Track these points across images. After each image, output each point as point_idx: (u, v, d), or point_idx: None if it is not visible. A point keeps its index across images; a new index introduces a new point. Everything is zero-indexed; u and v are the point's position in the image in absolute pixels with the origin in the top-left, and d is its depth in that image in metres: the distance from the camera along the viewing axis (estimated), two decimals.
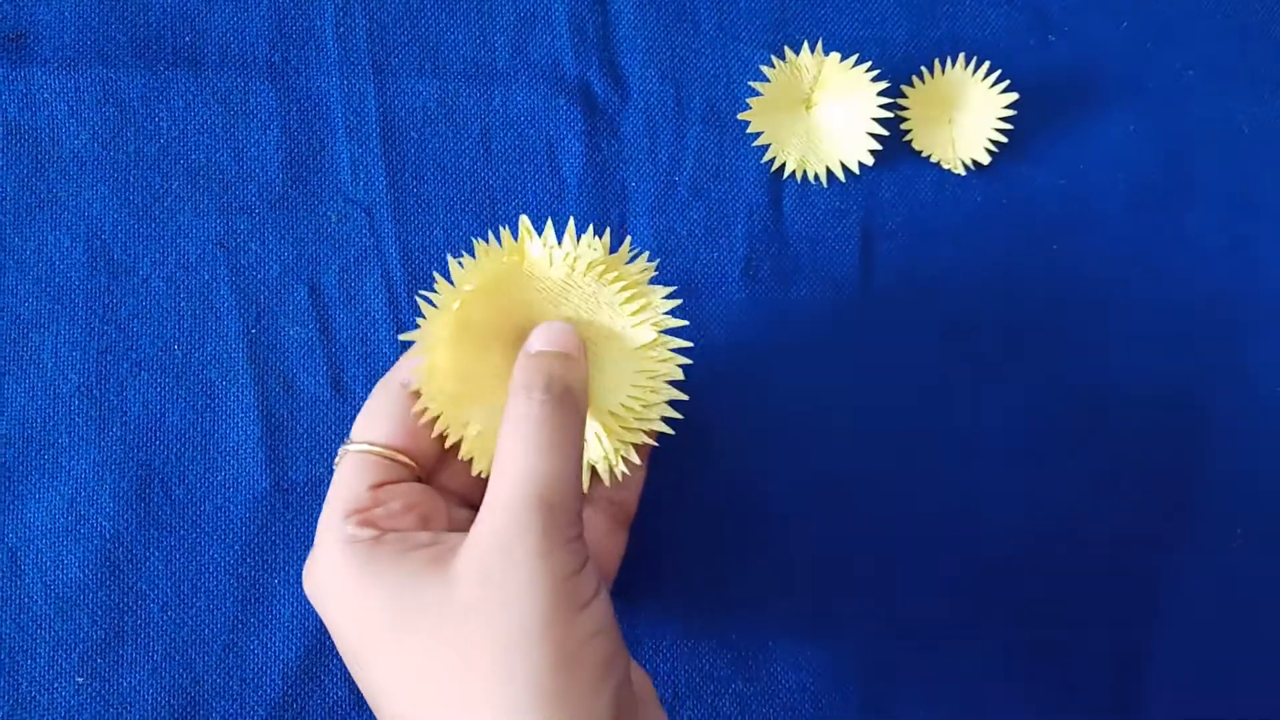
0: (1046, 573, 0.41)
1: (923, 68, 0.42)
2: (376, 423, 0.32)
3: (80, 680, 0.36)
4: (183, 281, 0.38)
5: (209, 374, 0.37)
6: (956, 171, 0.42)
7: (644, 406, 0.32)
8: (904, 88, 0.42)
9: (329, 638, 0.37)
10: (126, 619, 0.36)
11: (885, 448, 0.40)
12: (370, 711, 0.37)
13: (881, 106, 0.41)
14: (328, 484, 0.37)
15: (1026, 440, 0.41)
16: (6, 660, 0.35)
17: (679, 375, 0.32)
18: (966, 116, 0.42)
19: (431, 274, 0.39)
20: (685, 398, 0.32)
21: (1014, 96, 0.42)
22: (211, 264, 0.38)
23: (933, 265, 0.41)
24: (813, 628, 0.39)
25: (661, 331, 0.32)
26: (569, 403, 0.29)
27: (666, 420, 0.33)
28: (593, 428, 0.32)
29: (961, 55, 0.42)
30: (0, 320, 0.37)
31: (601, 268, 0.31)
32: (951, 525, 0.40)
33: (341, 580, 0.29)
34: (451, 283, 0.31)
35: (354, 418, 0.38)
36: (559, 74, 0.41)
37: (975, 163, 0.42)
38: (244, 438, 0.37)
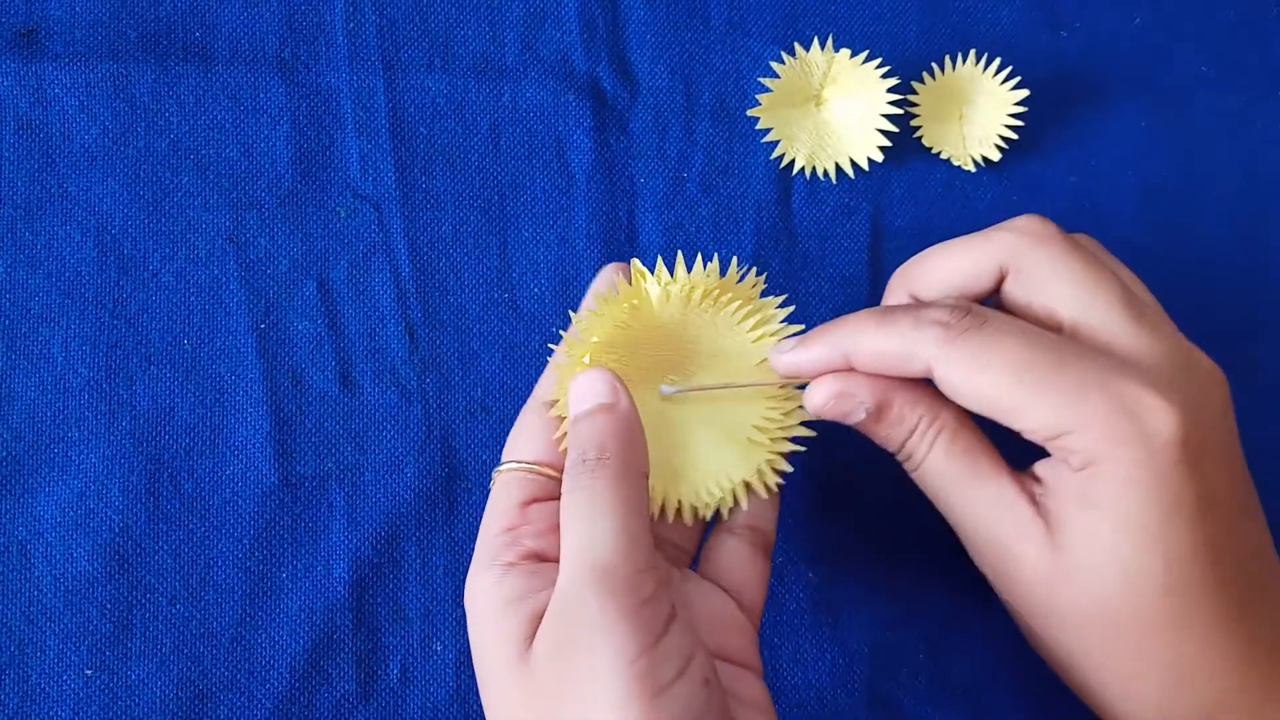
0: None
1: (933, 64, 0.42)
2: (523, 442, 0.32)
3: (89, 672, 0.36)
4: (192, 276, 0.38)
5: (218, 368, 0.38)
6: (967, 168, 0.42)
7: (783, 415, 0.33)
8: (914, 84, 0.42)
9: (338, 632, 0.37)
10: (135, 612, 0.36)
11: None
12: (374, 705, 0.37)
13: (892, 103, 0.40)
14: (336, 479, 0.37)
15: None
16: (16, 652, 0.36)
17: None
18: (977, 113, 0.42)
19: (438, 268, 0.39)
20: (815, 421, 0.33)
21: (1025, 93, 0.41)
22: (221, 259, 0.38)
23: None
24: (817, 623, 0.39)
25: (782, 339, 0.33)
26: (602, 464, 0.29)
27: (798, 440, 0.33)
28: (721, 457, 0.33)
29: (972, 51, 0.42)
30: (10, 314, 0.37)
31: (716, 292, 0.32)
32: None
33: (482, 600, 0.29)
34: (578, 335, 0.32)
35: (362, 413, 0.38)
36: (568, 70, 0.41)
37: (986, 159, 0.42)
38: (252, 432, 0.37)
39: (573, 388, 0.31)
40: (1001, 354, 0.28)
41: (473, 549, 0.38)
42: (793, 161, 0.41)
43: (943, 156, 0.41)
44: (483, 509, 0.38)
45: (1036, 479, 0.31)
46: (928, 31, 0.42)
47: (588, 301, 0.34)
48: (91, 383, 0.37)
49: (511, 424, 0.38)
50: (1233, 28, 0.44)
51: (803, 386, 0.32)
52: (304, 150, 0.39)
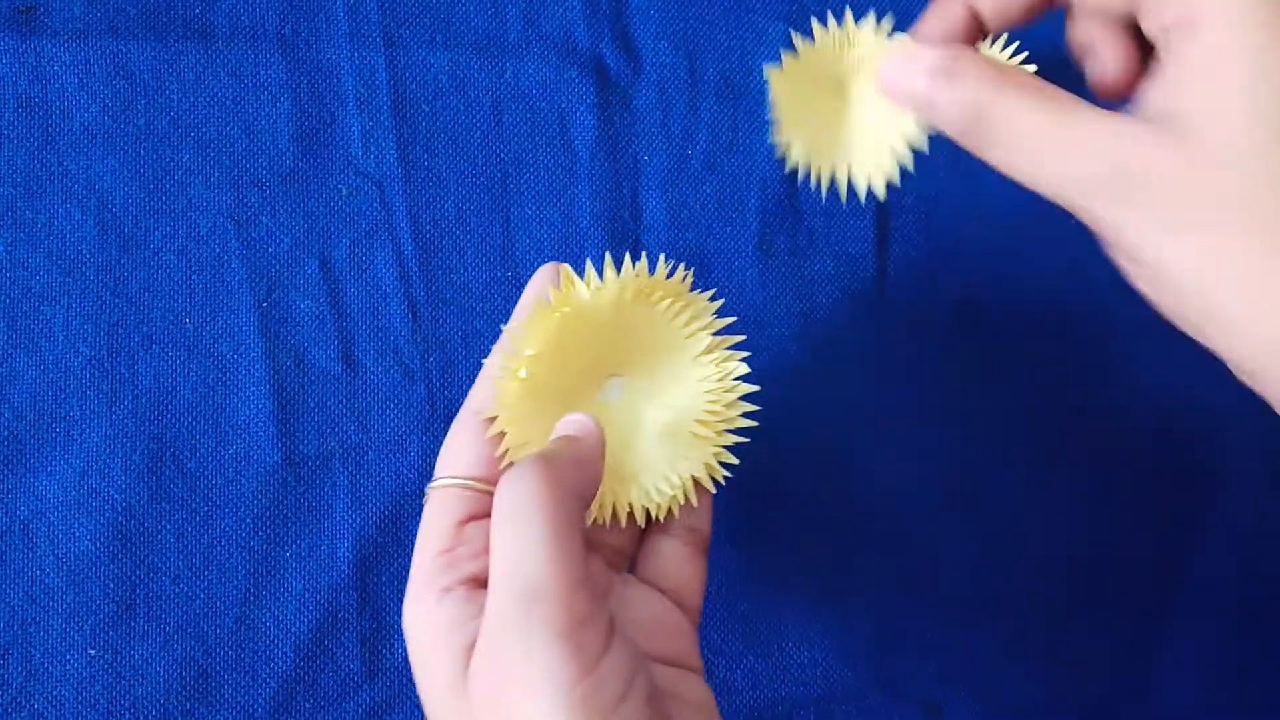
0: (1061, 552, 0.40)
1: None
2: (457, 456, 0.31)
3: (92, 652, 0.36)
4: (194, 255, 0.38)
5: (220, 347, 0.37)
6: None
7: (725, 406, 0.33)
8: None
9: (342, 611, 0.37)
10: (138, 591, 0.36)
11: (899, 423, 0.40)
12: (379, 684, 0.37)
13: None
14: (339, 458, 0.37)
15: (1043, 417, 0.41)
16: (19, 632, 0.35)
17: (744, 369, 0.33)
18: None
19: (441, 246, 0.39)
20: (757, 389, 0.33)
21: (1032, 69, 0.41)
22: (222, 237, 0.38)
23: (949, 239, 0.41)
24: (825, 604, 0.39)
25: (714, 334, 0.33)
26: (556, 489, 0.26)
27: (740, 431, 0.33)
28: (667, 455, 0.32)
29: None
30: (11, 293, 0.37)
31: (647, 290, 0.32)
32: (965, 502, 0.40)
33: (417, 628, 0.28)
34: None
35: (364, 392, 0.38)
36: (571, 46, 0.40)
37: None
38: (255, 411, 0.37)
39: (559, 425, 0.30)
40: None
41: None
42: (813, 173, 0.34)
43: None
44: None
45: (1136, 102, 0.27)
46: None
47: (519, 310, 0.32)
48: (93, 361, 0.37)
49: None
50: None
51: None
52: (305, 128, 0.39)
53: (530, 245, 0.39)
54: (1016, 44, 0.41)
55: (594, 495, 0.29)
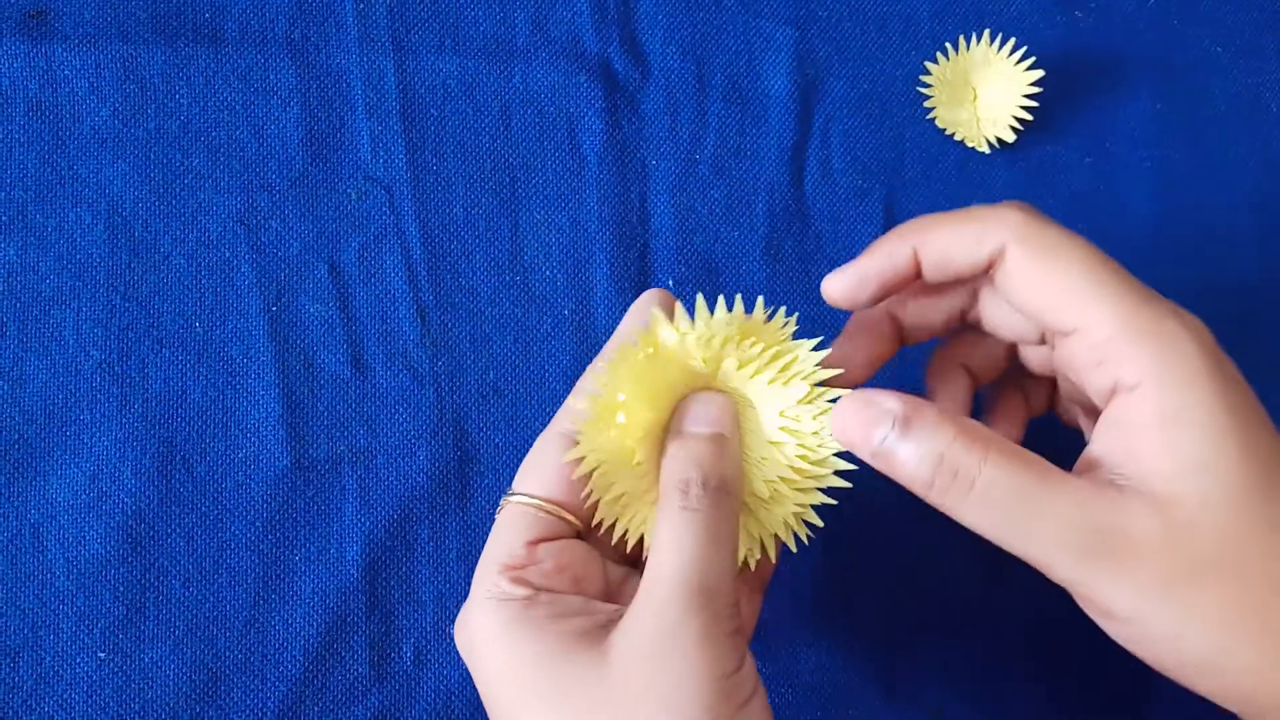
0: None
1: (947, 44, 0.42)
2: (537, 474, 0.31)
3: (102, 655, 0.36)
4: (203, 259, 0.38)
5: (230, 351, 0.37)
6: (981, 149, 0.41)
7: (814, 463, 0.31)
8: (928, 64, 0.41)
9: (350, 614, 0.37)
10: (148, 595, 0.36)
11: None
12: (388, 687, 0.37)
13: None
14: (348, 462, 0.37)
15: (1047, 421, 0.41)
16: (29, 635, 0.36)
17: (840, 446, 0.30)
18: (991, 94, 0.42)
19: (450, 250, 0.39)
20: (849, 472, 0.31)
21: (1039, 73, 0.41)
22: (232, 241, 0.38)
23: None
24: (832, 609, 0.39)
25: (816, 384, 0.30)
26: (724, 494, 0.29)
27: (830, 492, 0.31)
28: (752, 506, 0.31)
29: (986, 31, 0.41)
30: (22, 297, 0.37)
31: (739, 337, 0.30)
32: None
33: (493, 637, 0.28)
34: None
35: (374, 396, 0.38)
36: (579, 51, 0.40)
37: (1000, 140, 0.41)
38: (265, 415, 0.37)
39: (691, 403, 0.30)
40: (1074, 249, 0.28)
41: (486, 531, 0.38)
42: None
43: (956, 138, 0.41)
44: (495, 492, 0.38)
45: (1094, 463, 0.28)
46: (941, 11, 0.42)
47: (610, 345, 0.31)
48: (103, 365, 0.37)
49: (523, 406, 0.38)
50: (1247, 10, 0.44)
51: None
52: (315, 132, 0.39)
53: (538, 249, 0.39)
54: (1024, 49, 0.41)
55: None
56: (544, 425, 0.38)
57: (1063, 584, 0.28)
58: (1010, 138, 0.41)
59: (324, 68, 0.39)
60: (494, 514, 0.37)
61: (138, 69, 0.38)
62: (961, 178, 0.41)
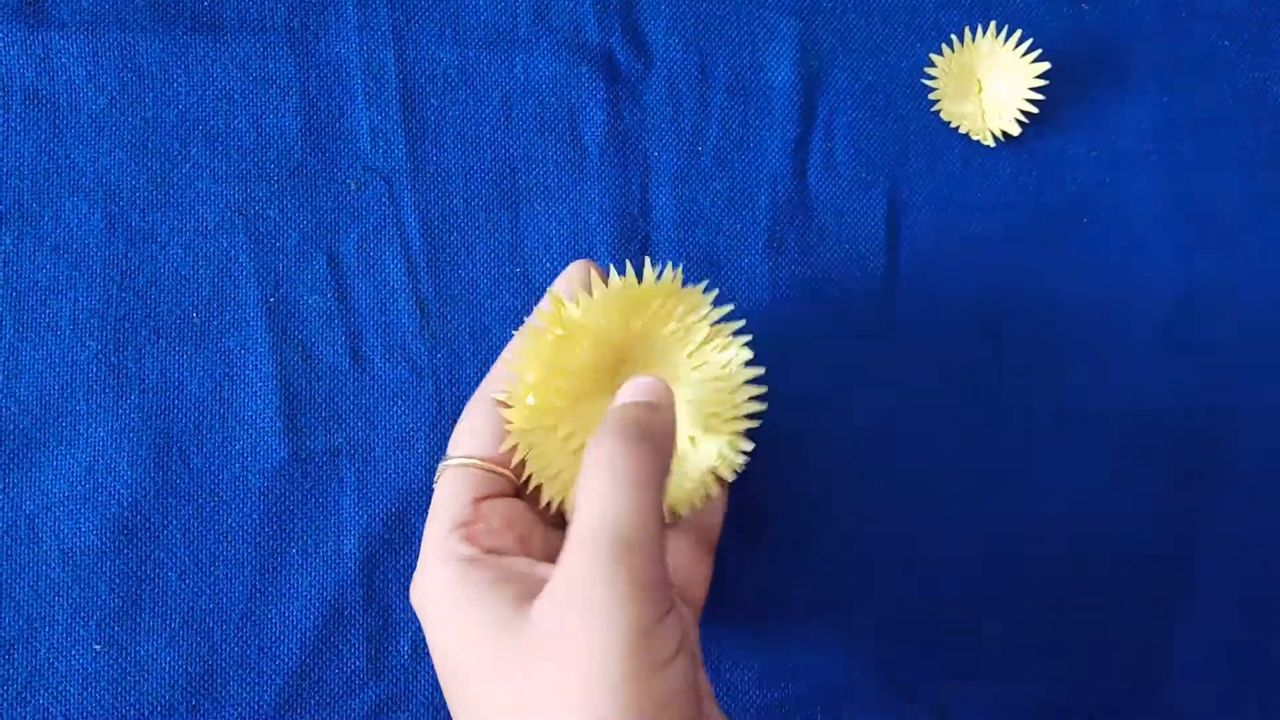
0: (1067, 553, 0.40)
1: (952, 36, 0.41)
2: (474, 437, 0.32)
3: (97, 648, 0.36)
4: (201, 249, 0.37)
5: (227, 342, 0.37)
6: (985, 143, 0.41)
7: (729, 394, 0.33)
8: (933, 56, 0.41)
9: (347, 607, 0.36)
10: (144, 587, 0.36)
11: (909, 424, 0.40)
12: (385, 680, 0.37)
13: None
14: (346, 454, 0.37)
15: (1053, 418, 0.40)
16: (24, 627, 0.35)
17: (746, 354, 0.33)
18: (996, 86, 0.41)
19: (449, 242, 0.39)
20: (761, 371, 0.33)
21: (1045, 66, 0.41)
22: (230, 231, 0.38)
23: (960, 238, 0.41)
24: (834, 607, 0.39)
25: (713, 323, 0.33)
26: (650, 445, 0.28)
27: (751, 417, 0.33)
28: (681, 455, 0.32)
29: (992, 23, 0.41)
30: (18, 286, 0.37)
31: (644, 300, 0.32)
32: (975, 503, 0.40)
33: (444, 596, 0.29)
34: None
35: (373, 388, 0.37)
36: (581, 41, 0.40)
37: (1005, 134, 0.41)
38: (262, 406, 0.37)
39: (627, 385, 0.31)
40: None
41: None
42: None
43: (961, 130, 0.41)
44: None
45: None
46: (945, 3, 0.42)
47: (522, 331, 0.33)
48: (100, 355, 0.37)
49: None
50: (1254, 3, 0.43)
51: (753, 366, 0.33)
52: (314, 122, 0.39)
53: (539, 241, 0.39)
54: (1030, 41, 0.41)
55: (670, 463, 0.29)
56: None
57: None
58: (1015, 131, 0.41)
59: (323, 57, 0.39)
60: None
61: (135, 57, 0.38)
62: (966, 171, 0.41)
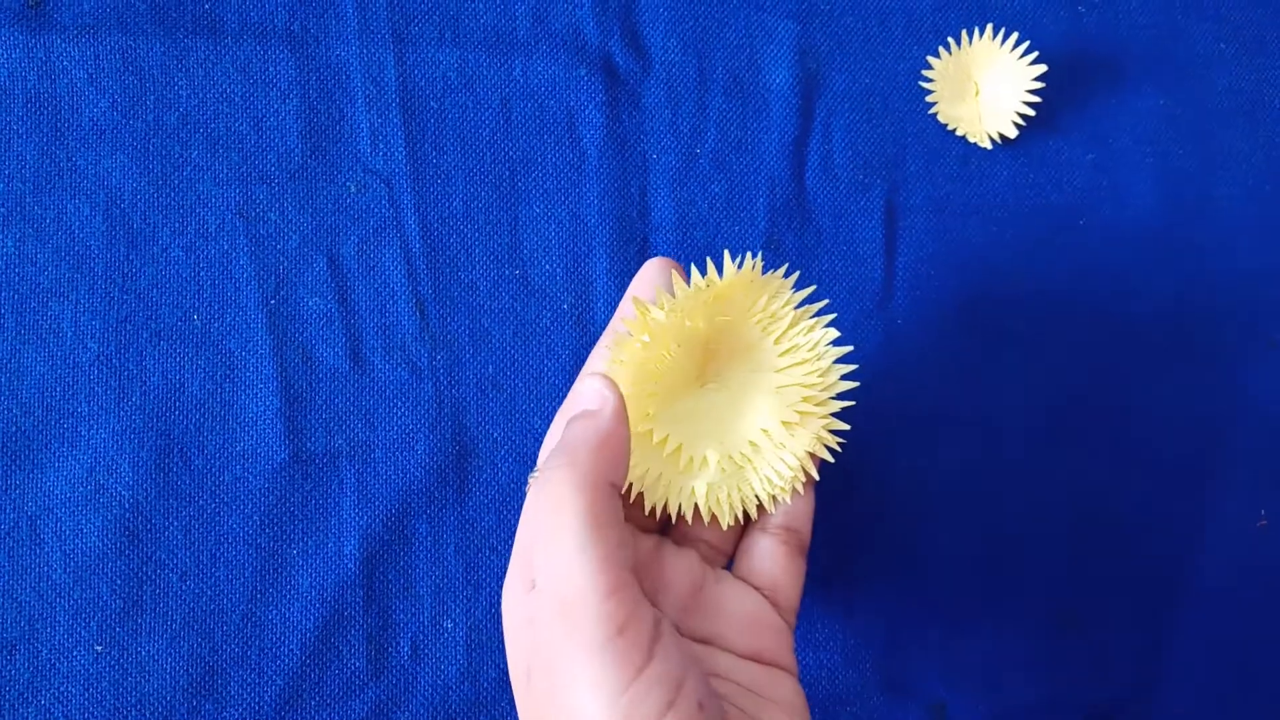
0: (1067, 552, 0.40)
1: (949, 39, 0.41)
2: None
3: (99, 648, 0.36)
4: (202, 251, 0.38)
5: (228, 344, 0.37)
6: (983, 145, 0.41)
7: (820, 376, 0.32)
8: (930, 59, 0.41)
9: (348, 608, 0.37)
10: (145, 588, 0.36)
11: (905, 424, 0.40)
12: (385, 681, 0.37)
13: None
14: (346, 455, 0.37)
15: (1049, 418, 0.41)
16: (26, 628, 0.36)
17: (832, 334, 0.32)
18: (993, 89, 0.41)
19: (449, 244, 0.39)
20: (850, 349, 0.33)
21: (1042, 68, 0.41)
22: (231, 233, 0.38)
23: (957, 240, 0.41)
24: (831, 605, 0.39)
25: (796, 307, 0.32)
26: (564, 471, 0.26)
27: (844, 395, 0.33)
28: (776, 443, 0.32)
29: (989, 26, 0.41)
30: (20, 289, 0.37)
31: (725, 295, 0.31)
32: (971, 503, 0.40)
33: (507, 614, 0.28)
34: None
35: (373, 389, 0.38)
36: (580, 44, 0.40)
37: (1002, 136, 0.41)
38: (263, 408, 0.37)
39: (574, 392, 0.30)
40: None
41: (484, 525, 0.38)
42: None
43: (958, 133, 0.41)
44: (493, 486, 0.38)
45: None
46: (943, 5, 0.42)
47: (615, 318, 0.32)
48: (101, 358, 0.37)
49: (522, 400, 0.38)
50: (1251, 5, 0.44)
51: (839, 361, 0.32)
52: (314, 124, 0.39)
53: (538, 243, 0.39)
54: (1028, 44, 0.41)
55: (625, 468, 0.28)
56: (543, 419, 0.38)
57: None
58: (1013, 133, 0.41)
59: (323, 60, 0.39)
60: (493, 507, 0.37)
61: (136, 60, 0.38)
62: (963, 173, 0.41)
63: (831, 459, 0.33)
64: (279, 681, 0.36)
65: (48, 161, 0.37)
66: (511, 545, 0.37)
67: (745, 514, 0.33)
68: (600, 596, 0.24)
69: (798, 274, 0.33)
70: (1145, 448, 0.41)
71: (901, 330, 0.40)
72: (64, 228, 0.37)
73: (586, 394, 0.28)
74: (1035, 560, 0.40)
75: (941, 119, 0.41)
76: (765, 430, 0.32)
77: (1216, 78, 0.43)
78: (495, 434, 0.38)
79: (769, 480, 0.32)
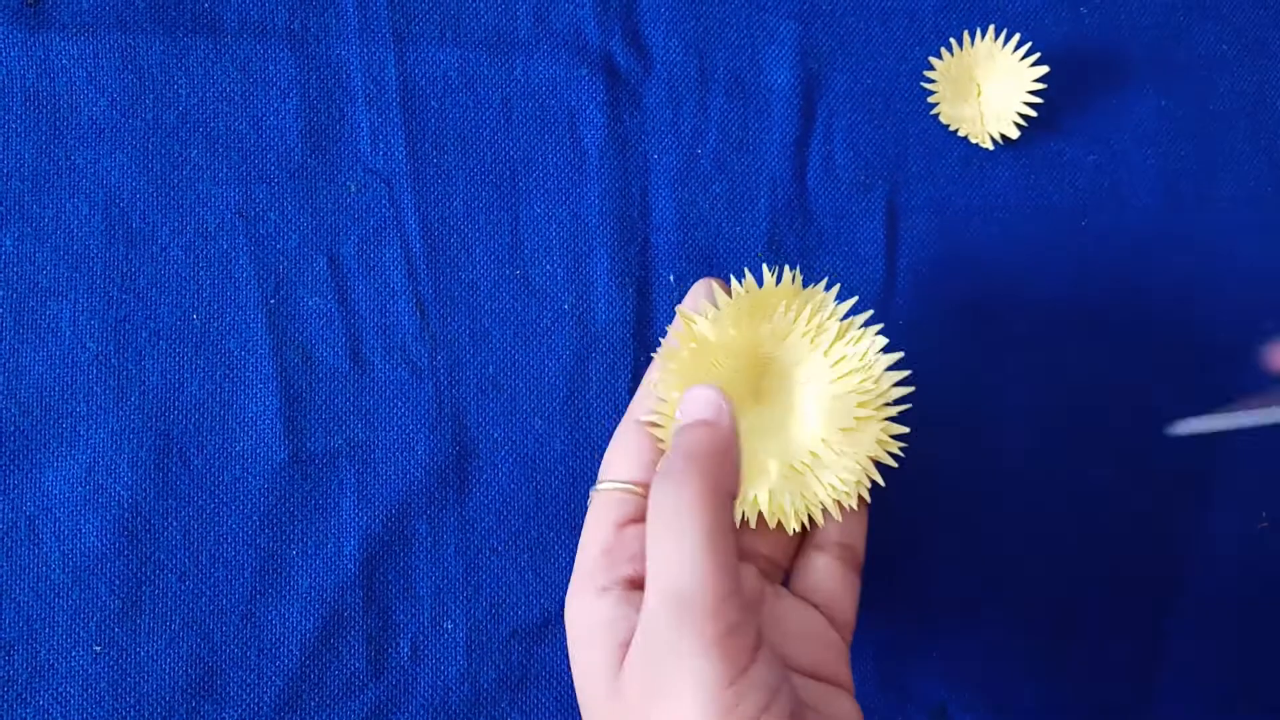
0: (1067, 553, 0.40)
1: (951, 39, 0.41)
2: (620, 461, 0.32)
3: (97, 649, 0.36)
4: (201, 250, 0.38)
5: (227, 344, 0.37)
6: (984, 146, 0.41)
7: (874, 384, 0.33)
8: (932, 59, 0.41)
9: (348, 609, 0.37)
10: (144, 588, 0.36)
11: (905, 424, 0.40)
12: (385, 682, 0.37)
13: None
14: (346, 456, 0.37)
15: (1051, 418, 0.40)
16: (24, 628, 0.35)
17: (882, 341, 0.33)
18: (995, 89, 0.41)
19: (449, 244, 0.39)
20: (901, 355, 0.33)
21: (1044, 69, 0.41)
22: (230, 233, 0.38)
23: (959, 241, 0.41)
24: None
25: (840, 319, 0.33)
26: (690, 479, 0.26)
27: (899, 401, 0.33)
28: (833, 453, 0.33)
29: (991, 27, 0.41)
30: (18, 288, 0.37)
31: (766, 304, 0.32)
32: (975, 503, 0.40)
33: (577, 620, 0.29)
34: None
35: (373, 390, 0.38)
36: (581, 43, 0.40)
37: (1004, 137, 0.41)
38: (262, 408, 0.37)
39: (683, 399, 0.30)
40: None
41: (484, 526, 0.38)
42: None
43: (960, 134, 0.41)
44: (493, 486, 0.38)
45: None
46: (945, 6, 0.42)
47: (660, 354, 0.33)
48: (100, 357, 0.37)
49: (522, 400, 0.38)
50: (1254, 7, 0.44)
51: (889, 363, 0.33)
52: (314, 124, 0.39)
53: (539, 243, 0.39)
54: (1029, 44, 0.41)
55: (740, 480, 0.28)
56: (544, 420, 0.38)
57: None
58: (1014, 134, 0.41)
59: (324, 59, 0.39)
60: (493, 507, 0.37)
61: (136, 59, 0.38)
62: (965, 173, 0.41)
63: (895, 464, 0.33)
64: (278, 682, 0.36)
65: (46, 160, 0.37)
66: (512, 546, 0.37)
67: (810, 521, 0.33)
68: (718, 597, 0.25)
69: (839, 286, 0.34)
70: (1146, 448, 0.41)
71: (903, 330, 0.40)
72: (63, 227, 0.37)
73: (699, 402, 0.29)
74: (1035, 560, 0.40)
75: (943, 120, 0.41)
76: (825, 440, 0.33)
77: (1218, 79, 0.43)
78: (496, 434, 0.38)
79: (833, 487, 0.33)
